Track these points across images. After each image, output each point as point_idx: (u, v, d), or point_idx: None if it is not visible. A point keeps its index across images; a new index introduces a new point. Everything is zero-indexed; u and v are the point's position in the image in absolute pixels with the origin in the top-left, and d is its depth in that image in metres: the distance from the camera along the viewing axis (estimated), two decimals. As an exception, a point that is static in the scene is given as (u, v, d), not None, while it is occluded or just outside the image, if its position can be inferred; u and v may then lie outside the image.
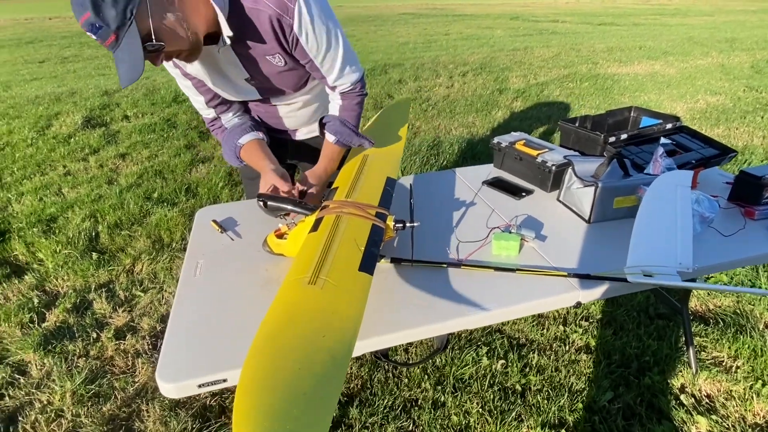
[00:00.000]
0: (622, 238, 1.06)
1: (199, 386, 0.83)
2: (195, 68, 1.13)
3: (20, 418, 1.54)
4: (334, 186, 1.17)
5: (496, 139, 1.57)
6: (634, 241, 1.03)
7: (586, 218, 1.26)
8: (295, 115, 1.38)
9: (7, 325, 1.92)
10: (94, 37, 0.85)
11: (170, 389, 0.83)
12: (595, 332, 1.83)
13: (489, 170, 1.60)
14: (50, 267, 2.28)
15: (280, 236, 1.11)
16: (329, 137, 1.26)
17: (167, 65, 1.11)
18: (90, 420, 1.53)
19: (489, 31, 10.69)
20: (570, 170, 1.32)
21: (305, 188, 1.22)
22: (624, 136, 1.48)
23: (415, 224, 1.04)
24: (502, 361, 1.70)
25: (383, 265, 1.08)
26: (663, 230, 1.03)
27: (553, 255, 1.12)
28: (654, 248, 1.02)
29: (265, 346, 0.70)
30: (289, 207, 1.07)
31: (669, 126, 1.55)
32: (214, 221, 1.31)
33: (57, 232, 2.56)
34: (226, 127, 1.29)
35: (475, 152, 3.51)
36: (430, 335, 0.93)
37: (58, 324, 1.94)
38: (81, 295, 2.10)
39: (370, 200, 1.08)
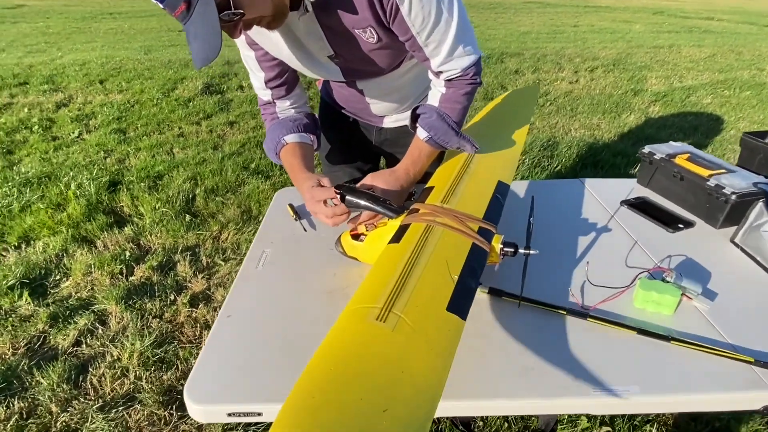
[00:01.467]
0: None
1: (229, 415, 0.67)
2: (268, 38, 0.94)
3: (90, 369, 1.57)
4: (428, 185, 0.94)
5: (647, 148, 1.21)
6: None
7: (781, 277, 0.88)
8: (384, 101, 1.15)
9: (99, 272, 2.00)
10: (161, 5, 0.68)
11: (197, 411, 0.67)
12: None
13: (630, 187, 1.24)
14: (147, 222, 2.36)
15: (356, 237, 0.91)
16: (420, 133, 0.99)
17: None
18: (149, 386, 1.50)
19: (626, 25, 9.51)
20: (761, 204, 0.94)
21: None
22: None
23: (531, 252, 0.77)
24: None
25: (477, 296, 0.83)
26: None
27: (728, 325, 0.78)
28: None
29: (310, 396, 0.50)
30: (370, 204, 0.86)
31: None
32: (291, 206, 1.16)
33: (160, 189, 2.68)
34: (278, 116, 1.08)
35: (598, 159, 3.02)
36: (532, 412, 0.67)
37: (142, 280, 1.99)
38: (168, 254, 2.13)
39: (473, 210, 0.83)
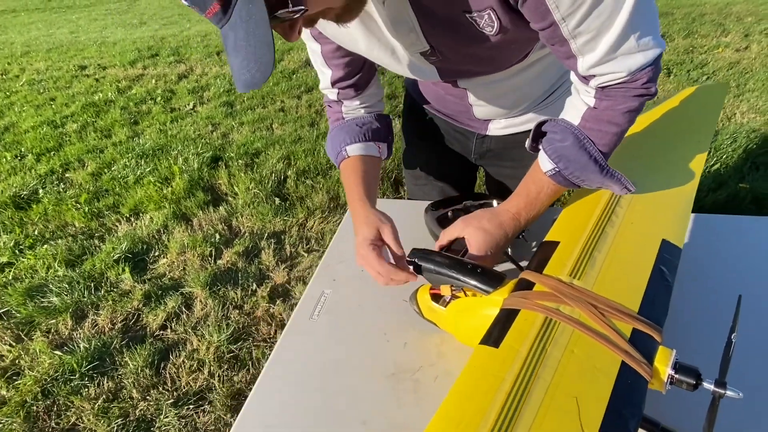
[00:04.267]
0: None
1: None
2: (340, 29, 0.66)
3: (171, 357, 1.58)
4: (549, 237, 0.64)
5: None
6: None
7: None
8: (492, 104, 0.86)
9: (192, 253, 2.03)
10: (186, 3, 0.45)
11: None
12: None
13: None
14: (240, 203, 2.35)
15: (437, 298, 0.67)
16: (544, 163, 0.67)
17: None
18: (220, 385, 1.46)
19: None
20: None
21: (460, 246, 0.69)
22: None
23: (729, 393, 0.45)
24: None
25: None
26: None
27: None
28: None
29: None
30: (456, 276, 0.60)
31: None
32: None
33: (255, 168, 2.66)
34: (343, 117, 0.87)
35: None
36: None
37: (229, 265, 1.97)
38: (254, 240, 2.09)
39: (623, 293, 0.53)
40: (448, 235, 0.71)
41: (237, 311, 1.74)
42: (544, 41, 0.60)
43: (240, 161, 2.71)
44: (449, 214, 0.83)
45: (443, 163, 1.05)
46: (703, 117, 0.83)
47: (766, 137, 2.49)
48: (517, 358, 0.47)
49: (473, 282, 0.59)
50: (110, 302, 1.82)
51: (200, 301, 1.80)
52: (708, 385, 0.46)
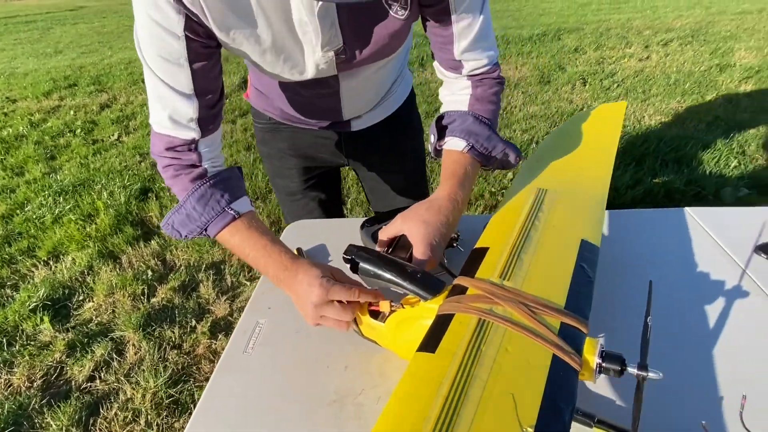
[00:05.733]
0: None
1: None
2: (241, 18, 0.64)
3: (102, 410, 1.43)
4: (480, 245, 0.65)
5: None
6: None
7: None
8: (361, 97, 0.91)
9: (122, 293, 1.88)
10: None
11: None
12: None
13: (762, 220, 0.89)
14: (174, 235, 2.23)
15: (376, 315, 0.65)
16: (456, 143, 0.75)
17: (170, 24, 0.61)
18: (160, 435, 1.35)
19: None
20: None
21: (407, 248, 0.68)
22: None
23: (650, 375, 0.47)
24: None
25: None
26: None
27: None
28: None
29: None
30: (395, 279, 0.59)
31: None
32: (299, 250, 0.91)
33: (189, 197, 2.54)
34: (203, 168, 0.69)
35: (681, 155, 2.56)
36: None
37: (164, 302, 1.84)
38: (191, 273, 1.98)
39: (549, 290, 0.55)
40: (387, 233, 0.69)
41: (175, 351, 1.63)
42: (433, 22, 0.72)
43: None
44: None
45: (315, 172, 1.07)
46: (607, 130, 0.90)
47: (671, 137, 2.74)
48: (453, 361, 0.46)
49: (411, 287, 0.58)
50: (27, 357, 1.63)
51: (133, 344, 1.66)
52: (632, 370, 0.48)
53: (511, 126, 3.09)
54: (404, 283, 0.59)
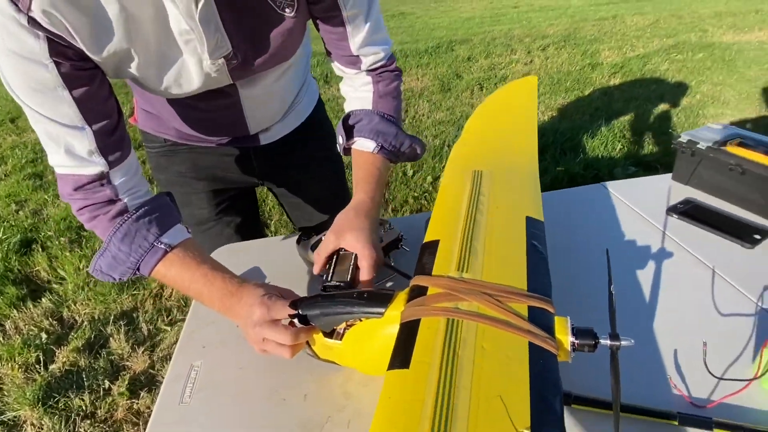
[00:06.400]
0: None
1: None
2: (112, 49, 0.56)
3: None
4: (429, 238, 0.62)
5: (685, 136, 0.95)
6: None
7: None
8: (266, 108, 0.85)
9: (9, 366, 1.58)
10: None
11: None
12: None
13: (666, 186, 0.98)
14: (70, 288, 1.94)
15: (330, 333, 0.59)
16: (366, 144, 0.75)
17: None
18: None
19: (564, 1, 9.56)
20: None
21: (348, 259, 0.64)
22: None
23: (622, 343, 0.47)
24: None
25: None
26: None
27: None
28: None
29: None
30: (343, 311, 0.55)
31: None
32: (229, 278, 0.82)
33: (84, 244, 2.24)
34: (123, 202, 0.60)
35: (575, 144, 2.81)
36: None
37: (66, 367, 1.58)
38: (97, 328, 1.73)
39: (508, 274, 0.53)
40: (323, 252, 0.65)
41: (88, 422, 1.40)
42: (323, 19, 0.70)
43: (62, 239, 2.26)
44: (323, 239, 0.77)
45: (227, 195, 0.98)
46: (524, 104, 0.93)
47: (564, 129, 3.01)
48: (431, 373, 0.42)
49: (364, 310, 0.54)
50: None
51: (32, 424, 1.39)
52: (604, 342, 0.47)
53: (422, 133, 3.18)
54: (355, 309, 0.54)
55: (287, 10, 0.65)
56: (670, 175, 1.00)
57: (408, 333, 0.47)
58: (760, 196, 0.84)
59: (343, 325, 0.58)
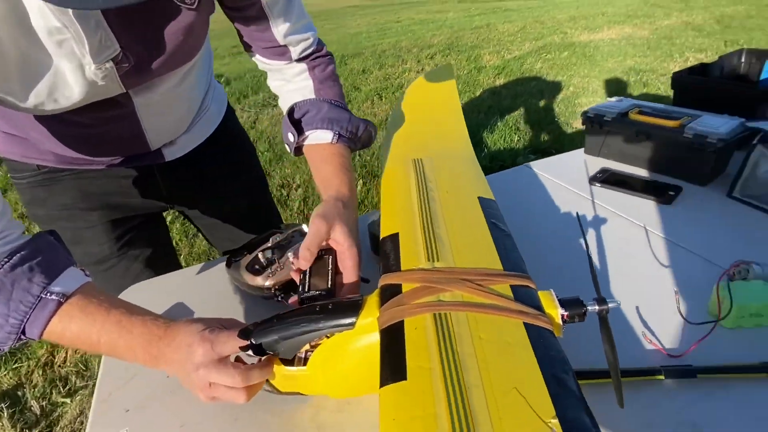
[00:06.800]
0: None
1: None
2: None
3: None
4: (386, 233, 0.57)
5: (591, 111, 1.01)
6: None
7: (819, 225, 0.72)
8: (165, 117, 0.73)
9: None
10: None
11: None
12: None
13: (580, 160, 1.03)
14: None
15: (290, 361, 0.50)
16: (321, 136, 0.68)
17: None
18: None
19: (441, 14, 10.24)
20: (761, 147, 0.78)
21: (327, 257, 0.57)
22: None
23: (610, 305, 0.45)
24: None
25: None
26: None
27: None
28: None
29: None
30: (308, 329, 0.46)
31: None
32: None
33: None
34: None
35: (479, 140, 2.96)
36: None
37: (-72, 479, 1.24)
38: (-31, 419, 1.39)
39: (479, 257, 0.49)
40: (314, 245, 0.55)
41: None
42: (236, 13, 0.63)
43: None
44: (260, 257, 0.67)
45: (130, 225, 0.82)
46: (446, 92, 0.92)
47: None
48: (435, 379, 0.36)
49: (331, 324, 0.46)
50: None
51: None
52: (592, 308, 0.45)
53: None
54: (321, 326, 0.46)
55: (187, 1, 0.56)
56: (582, 150, 1.06)
57: (393, 339, 0.41)
58: (666, 157, 0.91)
59: (307, 347, 0.49)
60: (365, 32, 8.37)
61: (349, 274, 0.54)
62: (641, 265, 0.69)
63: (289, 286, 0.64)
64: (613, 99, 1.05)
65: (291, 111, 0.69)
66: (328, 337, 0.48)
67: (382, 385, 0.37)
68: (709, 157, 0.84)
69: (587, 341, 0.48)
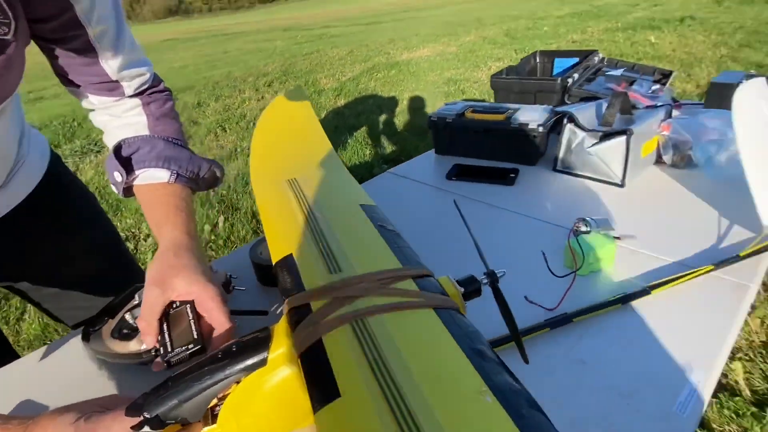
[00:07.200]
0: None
1: None
2: None
3: None
4: (278, 258, 0.53)
5: (435, 115, 1.11)
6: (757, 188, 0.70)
7: (619, 181, 0.91)
8: None
9: None
10: None
11: None
12: None
13: (430, 160, 1.13)
14: None
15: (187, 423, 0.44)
16: (156, 175, 0.61)
17: None
18: None
19: (269, 43, 10.28)
20: (570, 126, 0.95)
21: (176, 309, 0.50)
22: (576, 76, 1.20)
23: (498, 273, 0.50)
24: None
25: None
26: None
27: (660, 248, 0.72)
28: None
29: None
30: (213, 381, 0.41)
31: (596, 60, 1.34)
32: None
33: None
34: None
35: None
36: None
37: None
38: None
39: (377, 260, 0.50)
40: (151, 315, 0.48)
41: None
42: (56, 46, 0.55)
43: None
44: (128, 318, 0.57)
45: None
46: (301, 112, 0.92)
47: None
48: (368, 391, 0.35)
49: (239, 367, 0.42)
50: None
51: None
52: (485, 281, 0.49)
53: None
54: (228, 372, 0.42)
55: (2, 29, 0.46)
56: (432, 151, 1.17)
57: (316, 360, 0.38)
58: (501, 146, 1.05)
59: (214, 401, 0.43)
60: (192, 65, 7.94)
61: (215, 315, 0.49)
62: (506, 240, 0.78)
63: (173, 341, 0.56)
64: (449, 103, 1.18)
65: (118, 147, 0.61)
66: (237, 383, 0.43)
67: (316, 410, 0.35)
68: (534, 141, 1.00)
69: (482, 315, 0.53)
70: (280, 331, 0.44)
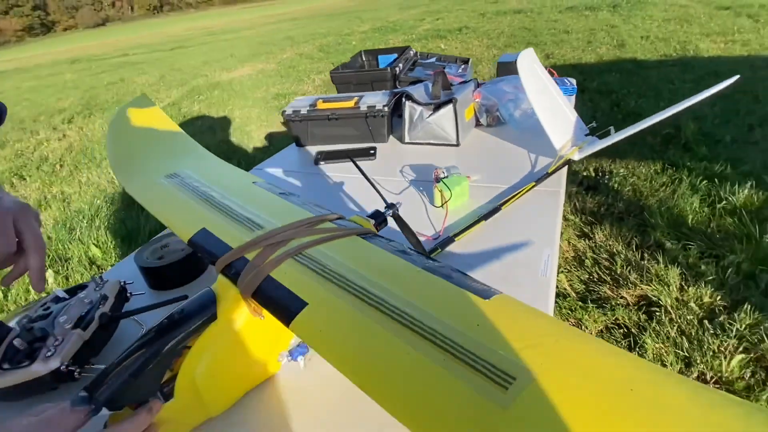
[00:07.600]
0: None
1: None
2: None
3: None
4: (190, 235, 0.54)
5: (289, 109, 1.18)
6: (549, 128, 0.94)
7: (455, 142, 1.10)
8: None
9: None
10: None
11: None
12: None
13: (296, 151, 1.20)
14: None
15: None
16: None
17: None
18: None
19: (56, 77, 8.85)
20: (409, 103, 1.11)
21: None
22: (401, 65, 1.39)
23: (396, 204, 0.60)
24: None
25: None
26: (558, 107, 0.99)
27: (491, 179, 0.91)
28: (564, 124, 0.97)
29: None
30: (178, 341, 0.42)
31: (411, 53, 1.57)
32: None
33: None
34: None
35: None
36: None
37: None
38: None
39: (291, 218, 0.55)
40: None
41: None
42: None
43: None
44: (16, 343, 0.51)
45: None
46: (156, 117, 0.90)
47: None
48: (331, 292, 0.41)
49: (190, 327, 0.44)
50: None
51: None
52: (388, 212, 0.59)
53: None
54: (180, 337, 0.43)
55: None
56: (293, 145, 1.23)
57: (271, 292, 0.43)
58: (353, 129, 1.17)
59: (168, 374, 0.43)
60: (-52, 112, 6.33)
61: (37, 230, 0.49)
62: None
63: (81, 356, 0.52)
64: (298, 97, 1.25)
65: None
66: (188, 348, 0.44)
67: (289, 323, 0.39)
68: (383, 120, 1.14)
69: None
70: (223, 286, 0.46)
